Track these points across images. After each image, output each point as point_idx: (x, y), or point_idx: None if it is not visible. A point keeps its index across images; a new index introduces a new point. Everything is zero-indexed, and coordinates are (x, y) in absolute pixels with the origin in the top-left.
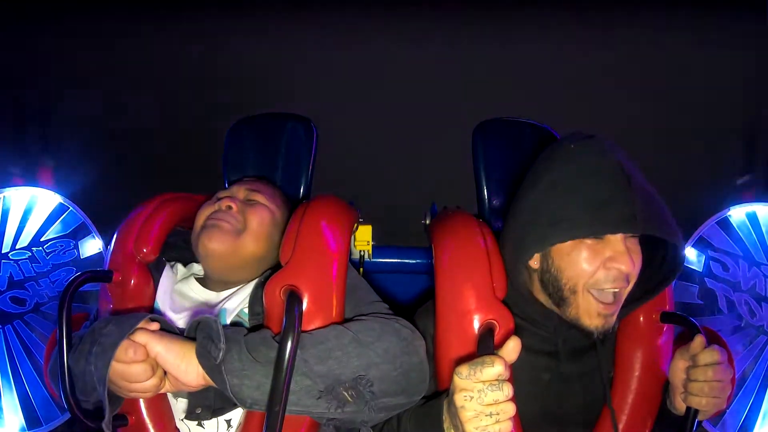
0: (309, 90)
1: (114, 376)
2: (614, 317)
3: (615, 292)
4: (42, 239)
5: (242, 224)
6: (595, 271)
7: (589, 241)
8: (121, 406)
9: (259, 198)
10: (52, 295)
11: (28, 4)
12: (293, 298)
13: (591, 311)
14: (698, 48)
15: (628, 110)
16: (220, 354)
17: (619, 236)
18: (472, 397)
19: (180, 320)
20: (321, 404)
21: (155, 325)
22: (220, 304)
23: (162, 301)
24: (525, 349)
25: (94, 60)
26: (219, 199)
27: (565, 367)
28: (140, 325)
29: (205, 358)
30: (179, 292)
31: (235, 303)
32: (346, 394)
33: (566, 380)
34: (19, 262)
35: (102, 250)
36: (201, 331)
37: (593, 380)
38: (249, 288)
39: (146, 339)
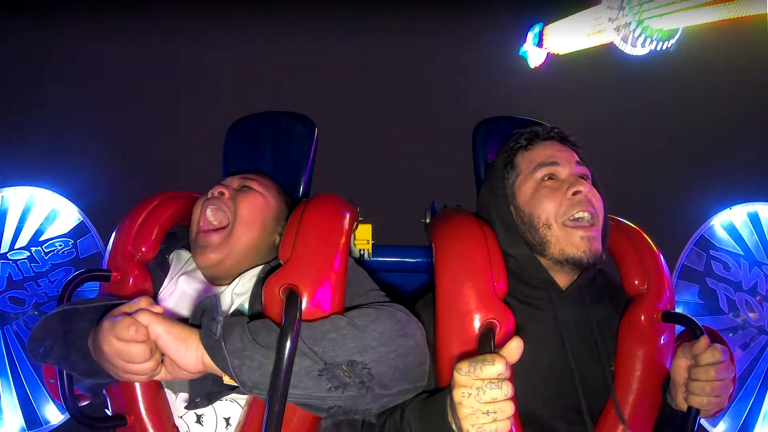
0: (309, 89)
1: (111, 355)
2: (598, 242)
3: (589, 217)
4: (41, 239)
5: (232, 214)
6: (559, 202)
7: (548, 182)
8: (120, 406)
9: (252, 185)
10: (51, 295)
11: (29, 4)
12: (292, 297)
13: (573, 239)
14: None
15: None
16: (218, 327)
17: (567, 168)
18: (470, 394)
19: (185, 307)
20: (321, 385)
21: (159, 308)
22: (226, 289)
23: (168, 290)
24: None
25: (93, 60)
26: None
27: (563, 340)
28: (143, 306)
29: (207, 337)
30: (185, 281)
31: (240, 290)
32: (344, 374)
33: (565, 361)
34: (18, 262)
35: (101, 249)
36: (204, 313)
37: (592, 362)
38: (252, 279)
39: (148, 320)
